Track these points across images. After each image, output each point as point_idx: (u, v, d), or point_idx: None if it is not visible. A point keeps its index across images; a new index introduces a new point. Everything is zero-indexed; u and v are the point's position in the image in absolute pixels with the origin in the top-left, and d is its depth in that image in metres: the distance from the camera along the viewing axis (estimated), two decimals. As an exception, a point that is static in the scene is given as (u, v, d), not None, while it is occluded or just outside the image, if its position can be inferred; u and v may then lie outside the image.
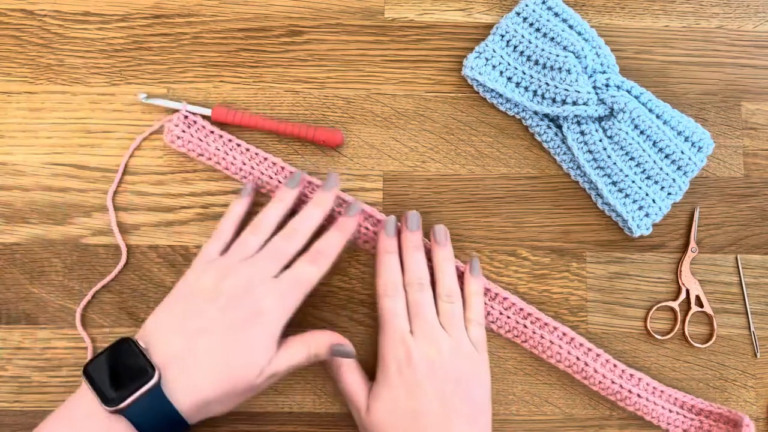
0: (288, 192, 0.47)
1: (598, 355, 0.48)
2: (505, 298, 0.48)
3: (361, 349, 0.49)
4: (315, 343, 0.44)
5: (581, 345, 0.48)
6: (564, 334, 0.48)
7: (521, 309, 0.48)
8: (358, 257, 0.50)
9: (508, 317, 0.48)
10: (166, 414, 0.39)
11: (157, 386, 0.39)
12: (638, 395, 0.47)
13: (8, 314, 0.48)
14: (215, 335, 0.41)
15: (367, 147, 0.51)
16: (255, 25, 0.51)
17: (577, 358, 0.48)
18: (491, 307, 0.48)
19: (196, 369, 0.40)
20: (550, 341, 0.48)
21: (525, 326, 0.48)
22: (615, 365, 0.48)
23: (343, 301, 0.49)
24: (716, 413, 0.48)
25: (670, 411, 0.48)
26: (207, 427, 0.48)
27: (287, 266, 0.44)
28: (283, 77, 0.51)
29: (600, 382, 0.47)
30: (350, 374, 0.46)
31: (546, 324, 0.48)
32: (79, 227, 0.49)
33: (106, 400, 0.39)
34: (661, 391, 0.48)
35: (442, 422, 0.42)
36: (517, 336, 0.49)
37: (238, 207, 0.47)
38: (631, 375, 0.48)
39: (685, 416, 0.48)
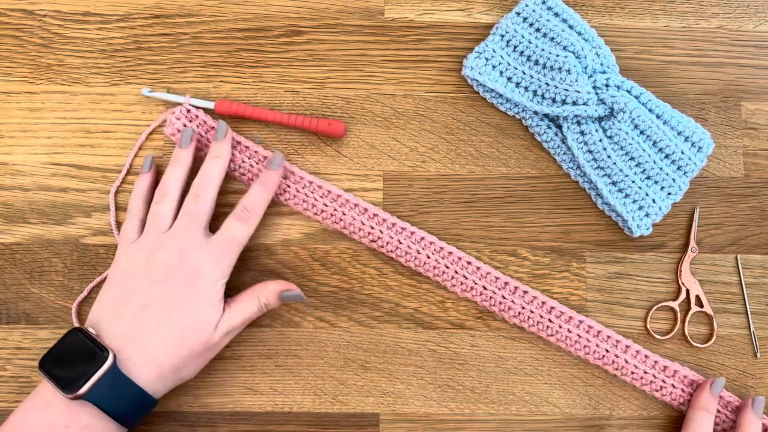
0: (182, 152, 0.47)
1: (627, 347, 0.48)
2: (525, 292, 0.48)
3: (361, 348, 0.49)
4: (264, 293, 0.45)
5: (609, 337, 0.48)
6: (591, 327, 0.48)
7: (543, 303, 0.48)
8: (359, 257, 0.50)
9: (531, 311, 0.48)
10: (129, 392, 0.41)
11: (114, 367, 0.40)
12: (673, 385, 0.48)
13: (8, 314, 0.48)
14: (160, 306, 0.42)
15: (367, 147, 0.51)
16: (255, 25, 0.51)
17: (607, 351, 0.48)
18: (512, 301, 0.48)
19: (150, 342, 0.41)
20: (578, 335, 0.48)
21: (550, 320, 0.48)
22: (647, 356, 0.48)
23: (343, 301, 0.49)
24: None
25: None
26: (207, 426, 0.48)
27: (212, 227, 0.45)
28: (283, 77, 0.51)
29: (633, 373, 0.48)
30: None
31: (571, 318, 0.48)
32: (79, 227, 0.49)
33: (63, 387, 0.40)
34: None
35: None
36: (542, 330, 0.48)
37: (143, 182, 0.48)
38: (665, 366, 0.48)
39: (727, 416, 0.48)
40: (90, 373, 0.40)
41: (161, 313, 0.42)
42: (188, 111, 0.49)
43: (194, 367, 0.44)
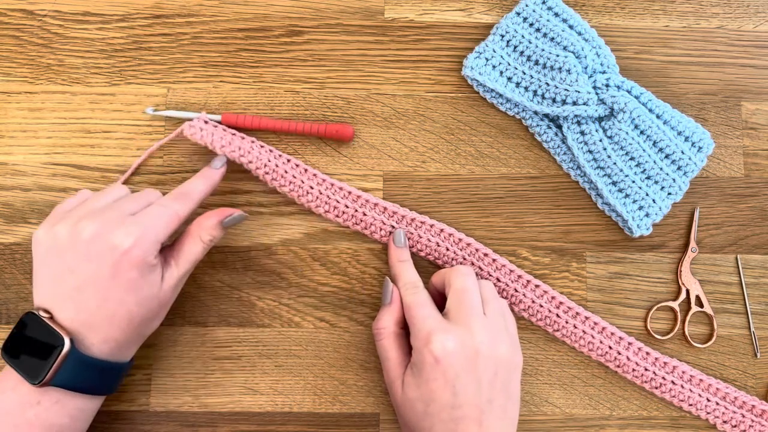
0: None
1: (630, 344, 0.48)
2: (537, 286, 0.49)
3: (361, 348, 0.49)
4: (204, 230, 0.43)
5: (613, 334, 0.48)
6: (596, 324, 0.49)
7: (553, 297, 0.49)
8: (359, 257, 0.50)
9: (541, 306, 0.48)
10: (96, 368, 0.40)
11: (73, 350, 0.39)
12: (672, 382, 0.48)
13: (8, 314, 0.48)
14: (94, 289, 0.40)
15: (367, 147, 0.51)
16: (255, 25, 0.51)
17: (610, 347, 0.48)
18: (523, 294, 0.49)
19: (99, 324, 0.40)
20: (583, 331, 0.48)
21: (558, 315, 0.48)
22: (648, 353, 0.48)
23: (343, 301, 0.49)
24: (759, 408, 0.48)
25: (708, 400, 0.48)
26: (207, 426, 0.48)
27: None
28: (283, 77, 0.51)
29: (633, 370, 0.48)
30: (390, 346, 0.44)
31: (578, 314, 0.49)
32: (79, 227, 0.49)
33: (28, 376, 0.39)
34: (700, 380, 0.48)
35: (475, 413, 0.41)
36: (549, 325, 0.49)
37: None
38: (665, 363, 0.48)
39: (726, 408, 0.48)
40: (51, 360, 0.39)
41: (98, 296, 0.40)
42: (206, 122, 0.48)
43: (155, 323, 0.43)
